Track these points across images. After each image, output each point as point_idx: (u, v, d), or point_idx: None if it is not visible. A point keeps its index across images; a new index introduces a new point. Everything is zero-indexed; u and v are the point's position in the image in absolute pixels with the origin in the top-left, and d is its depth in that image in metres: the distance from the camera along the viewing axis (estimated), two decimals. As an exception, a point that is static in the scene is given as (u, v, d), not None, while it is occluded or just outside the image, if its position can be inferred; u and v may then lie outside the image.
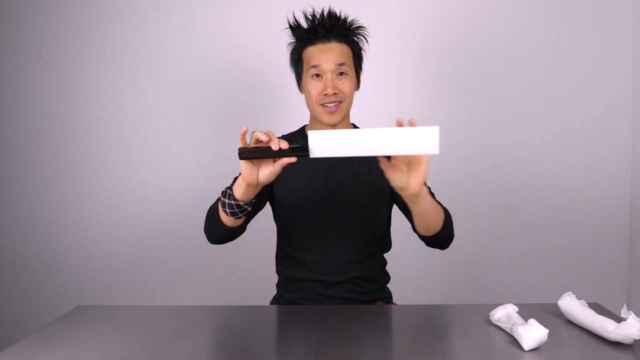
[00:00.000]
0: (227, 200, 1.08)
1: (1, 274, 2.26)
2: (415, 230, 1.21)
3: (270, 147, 0.94)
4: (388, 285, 1.44)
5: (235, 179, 1.30)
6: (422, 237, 1.21)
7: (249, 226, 1.25)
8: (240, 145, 0.97)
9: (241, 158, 0.97)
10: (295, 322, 1.08)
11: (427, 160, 0.96)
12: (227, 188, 1.10)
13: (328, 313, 1.12)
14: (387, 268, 1.43)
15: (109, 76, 2.19)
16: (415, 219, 1.14)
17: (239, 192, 1.05)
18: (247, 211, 1.11)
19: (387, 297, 1.40)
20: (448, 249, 2.03)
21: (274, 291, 1.44)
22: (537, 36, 2.13)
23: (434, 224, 1.13)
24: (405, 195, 1.02)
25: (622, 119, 2.14)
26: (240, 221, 1.14)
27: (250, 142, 0.98)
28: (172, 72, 2.18)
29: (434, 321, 1.10)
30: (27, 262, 2.24)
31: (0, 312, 2.26)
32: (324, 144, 0.94)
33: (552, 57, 2.13)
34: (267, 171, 0.99)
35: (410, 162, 0.97)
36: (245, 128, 0.96)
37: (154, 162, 2.20)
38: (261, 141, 0.96)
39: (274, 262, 1.43)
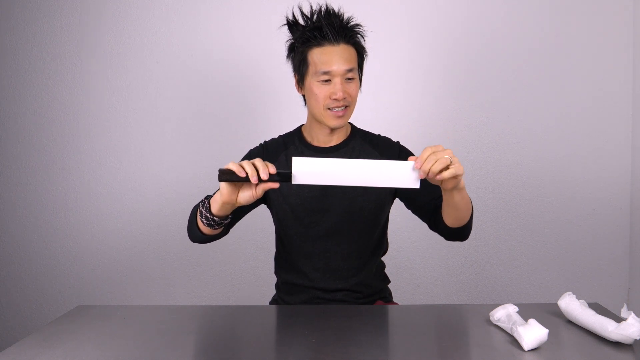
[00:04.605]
0: (204, 212, 1.08)
1: (1, 274, 2.25)
2: (434, 227, 1.23)
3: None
4: (388, 286, 1.43)
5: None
6: (444, 231, 1.21)
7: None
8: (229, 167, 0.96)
9: (220, 180, 0.96)
10: (295, 322, 1.08)
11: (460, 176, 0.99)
12: (207, 198, 1.09)
13: (327, 313, 1.12)
14: (387, 269, 1.42)
15: (109, 76, 2.19)
16: (446, 210, 1.14)
17: (214, 207, 1.05)
18: (224, 224, 1.10)
19: (387, 297, 1.39)
20: (447, 249, 2.04)
21: (273, 291, 1.43)
22: (538, 36, 2.13)
23: (464, 215, 1.14)
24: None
25: (622, 119, 2.14)
26: (217, 231, 1.14)
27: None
28: (172, 72, 2.18)
29: (434, 321, 1.10)
30: (28, 262, 2.25)
31: (0, 312, 2.26)
32: (308, 172, 0.96)
33: (552, 56, 2.13)
34: (249, 194, 0.99)
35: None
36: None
37: (154, 161, 2.20)
38: (246, 174, 0.95)
39: (274, 262, 1.42)
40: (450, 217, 1.15)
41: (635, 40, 2.11)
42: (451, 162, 0.96)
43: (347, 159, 0.97)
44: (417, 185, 0.97)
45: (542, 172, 2.16)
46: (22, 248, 2.24)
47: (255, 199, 1.00)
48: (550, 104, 2.14)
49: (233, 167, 0.95)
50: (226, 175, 0.95)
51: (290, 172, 0.96)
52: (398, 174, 0.97)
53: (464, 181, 1.04)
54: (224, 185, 0.99)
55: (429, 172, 0.95)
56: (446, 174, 0.95)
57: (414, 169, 0.96)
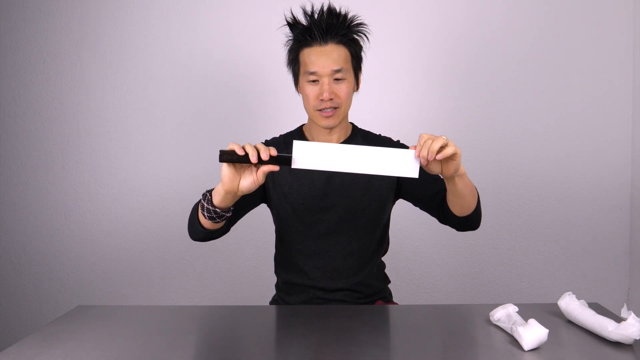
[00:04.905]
0: (205, 204, 1.07)
1: (1, 274, 2.25)
2: (443, 220, 1.23)
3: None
4: (388, 286, 1.43)
5: None
6: (454, 222, 1.22)
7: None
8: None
9: (221, 160, 0.96)
10: (295, 322, 1.08)
11: (458, 158, 1.00)
12: (209, 191, 1.09)
13: (327, 313, 1.12)
14: (387, 269, 1.42)
15: (109, 76, 2.19)
16: (452, 200, 1.15)
17: (216, 198, 1.04)
18: (226, 217, 1.10)
19: (387, 297, 1.39)
20: (447, 249, 2.04)
21: (273, 291, 1.43)
22: (537, 36, 2.13)
23: (470, 203, 1.14)
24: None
25: (622, 119, 2.14)
26: (219, 225, 1.13)
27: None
28: (172, 72, 2.18)
29: (434, 321, 1.10)
30: (27, 262, 2.24)
31: (0, 312, 2.26)
32: (308, 156, 0.97)
33: (552, 56, 2.13)
34: (250, 180, 0.99)
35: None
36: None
37: (153, 162, 2.20)
38: (246, 153, 0.96)
39: (273, 262, 1.42)
40: (457, 206, 1.16)
41: (635, 40, 2.11)
42: (447, 143, 0.97)
43: (347, 145, 0.98)
44: (416, 175, 0.98)
45: (542, 172, 2.16)
46: (22, 248, 2.24)
47: (257, 185, 1.00)
48: (550, 103, 2.14)
49: (234, 146, 0.96)
50: (227, 155, 0.96)
51: (291, 156, 0.97)
52: (398, 162, 0.98)
53: (464, 167, 1.05)
54: (225, 172, 0.99)
55: (428, 154, 0.96)
56: (448, 151, 0.96)
57: (414, 157, 0.98)
